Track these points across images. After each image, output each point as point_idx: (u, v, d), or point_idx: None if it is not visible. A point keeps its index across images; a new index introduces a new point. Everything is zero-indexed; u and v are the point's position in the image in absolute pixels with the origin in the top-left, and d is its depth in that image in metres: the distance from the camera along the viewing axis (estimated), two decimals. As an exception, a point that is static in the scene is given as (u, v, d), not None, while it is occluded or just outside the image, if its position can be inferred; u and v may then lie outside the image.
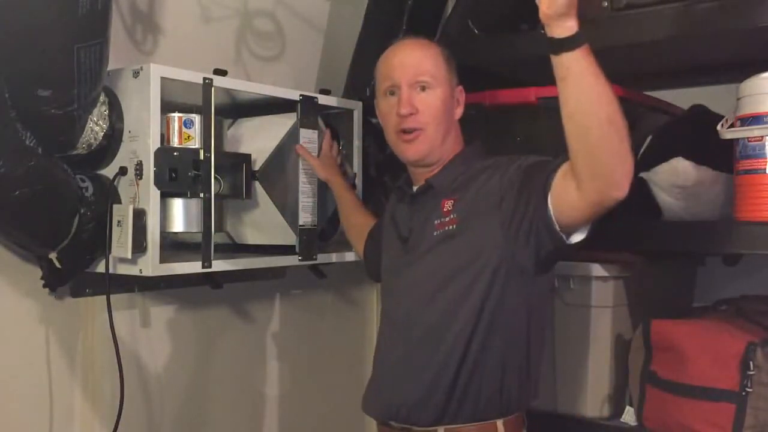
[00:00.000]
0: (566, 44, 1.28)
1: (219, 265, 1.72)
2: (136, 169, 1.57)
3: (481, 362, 1.48)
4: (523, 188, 1.44)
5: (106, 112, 1.58)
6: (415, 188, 1.65)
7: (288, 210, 1.87)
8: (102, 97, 1.56)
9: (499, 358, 1.48)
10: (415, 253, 1.57)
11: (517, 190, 1.44)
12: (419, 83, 1.56)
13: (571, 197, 1.36)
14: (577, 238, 1.43)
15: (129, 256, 1.54)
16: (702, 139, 1.68)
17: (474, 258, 1.48)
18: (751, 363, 1.59)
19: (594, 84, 1.28)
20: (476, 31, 2.03)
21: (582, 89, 1.29)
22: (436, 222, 1.54)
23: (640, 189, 1.82)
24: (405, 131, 1.57)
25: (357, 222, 1.93)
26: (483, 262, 1.47)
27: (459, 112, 1.63)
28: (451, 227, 1.51)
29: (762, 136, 1.56)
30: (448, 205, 1.54)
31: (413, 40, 1.65)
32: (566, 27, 1.28)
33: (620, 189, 1.31)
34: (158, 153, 1.57)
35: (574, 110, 1.30)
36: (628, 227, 1.78)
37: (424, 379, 1.50)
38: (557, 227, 1.40)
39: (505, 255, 1.46)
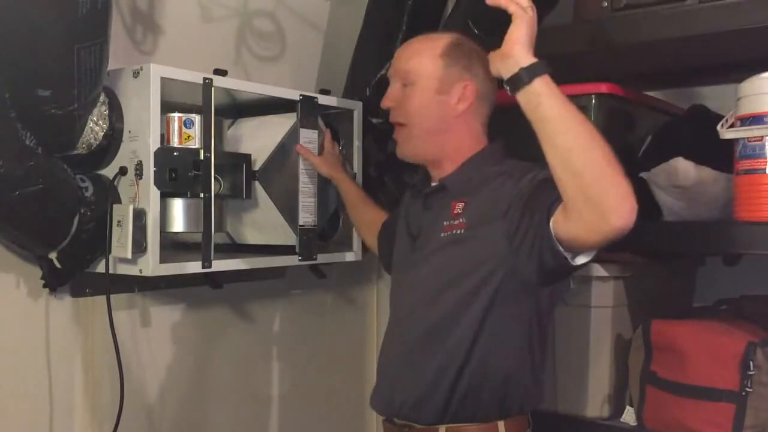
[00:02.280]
0: (538, 68, 1.31)
1: (219, 265, 1.72)
2: (136, 169, 1.57)
3: (483, 367, 1.47)
4: (529, 203, 1.40)
5: (106, 112, 1.58)
6: (430, 186, 1.63)
7: (288, 210, 1.87)
8: (102, 97, 1.56)
9: (501, 363, 1.48)
10: (421, 252, 1.56)
11: (524, 203, 1.41)
12: (404, 80, 1.57)
13: (571, 229, 1.31)
14: (583, 259, 1.39)
15: (129, 256, 1.54)
16: (702, 139, 1.68)
17: (479, 264, 1.46)
18: (751, 363, 1.59)
19: (567, 104, 1.30)
20: (476, 31, 2.03)
21: (558, 110, 1.30)
22: (444, 223, 1.52)
23: (640, 189, 1.82)
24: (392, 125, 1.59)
25: (368, 216, 1.93)
26: (488, 269, 1.45)
27: (461, 107, 1.56)
28: (459, 231, 1.50)
29: (762, 136, 1.55)
30: (458, 207, 1.52)
31: (417, 37, 1.64)
32: (530, 56, 1.33)
33: (619, 216, 1.25)
34: (158, 153, 1.57)
35: (553, 133, 1.29)
36: (628, 227, 1.78)
37: (425, 379, 1.50)
38: (560, 248, 1.35)
39: (509, 265, 1.43)
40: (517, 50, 1.33)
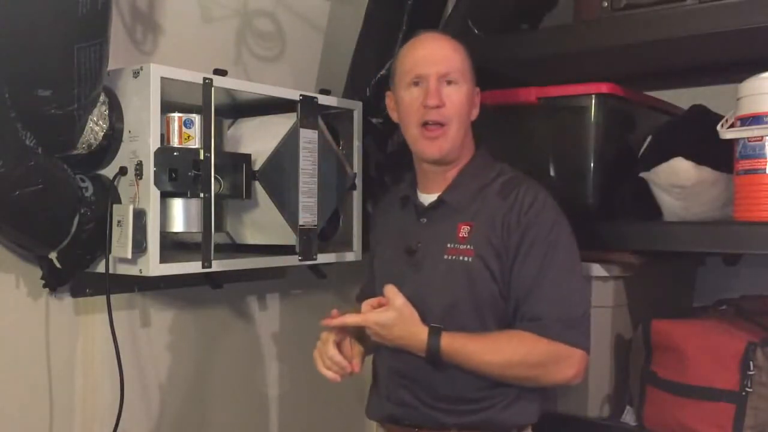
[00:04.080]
0: (432, 350, 1.43)
1: (219, 265, 1.72)
2: (136, 169, 1.57)
3: (486, 385, 1.47)
4: (528, 288, 1.46)
5: (106, 112, 1.58)
6: (422, 196, 1.59)
7: (288, 210, 1.87)
8: (102, 97, 1.56)
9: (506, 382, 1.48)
10: (421, 268, 1.53)
11: (521, 266, 1.46)
12: (447, 77, 1.51)
13: None
14: None
15: (129, 256, 1.54)
16: (702, 139, 1.68)
17: (484, 297, 1.47)
18: (751, 363, 1.59)
19: (484, 347, 1.43)
20: (476, 31, 2.03)
21: (480, 359, 1.43)
22: (449, 245, 1.49)
23: (640, 189, 1.82)
24: (427, 124, 1.51)
25: None
26: (493, 302, 1.47)
27: (475, 113, 1.58)
28: (465, 258, 1.47)
29: (762, 136, 1.55)
30: (464, 230, 1.49)
31: (441, 35, 1.60)
32: (418, 340, 1.44)
33: (572, 380, 1.47)
34: (158, 153, 1.57)
35: (487, 373, 1.44)
36: (628, 227, 1.78)
37: (430, 388, 1.50)
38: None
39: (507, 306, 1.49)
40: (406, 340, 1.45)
